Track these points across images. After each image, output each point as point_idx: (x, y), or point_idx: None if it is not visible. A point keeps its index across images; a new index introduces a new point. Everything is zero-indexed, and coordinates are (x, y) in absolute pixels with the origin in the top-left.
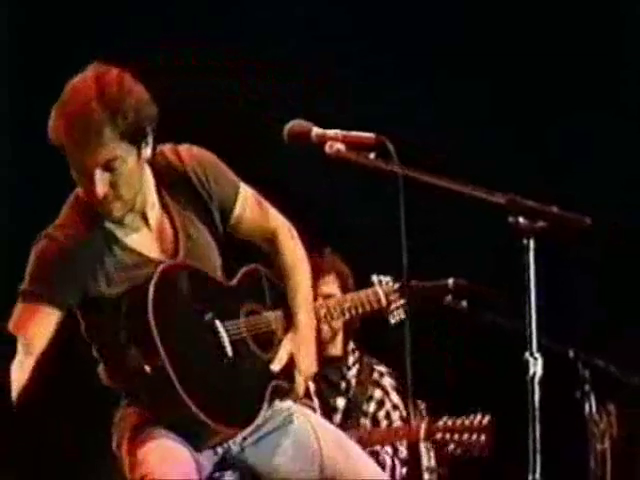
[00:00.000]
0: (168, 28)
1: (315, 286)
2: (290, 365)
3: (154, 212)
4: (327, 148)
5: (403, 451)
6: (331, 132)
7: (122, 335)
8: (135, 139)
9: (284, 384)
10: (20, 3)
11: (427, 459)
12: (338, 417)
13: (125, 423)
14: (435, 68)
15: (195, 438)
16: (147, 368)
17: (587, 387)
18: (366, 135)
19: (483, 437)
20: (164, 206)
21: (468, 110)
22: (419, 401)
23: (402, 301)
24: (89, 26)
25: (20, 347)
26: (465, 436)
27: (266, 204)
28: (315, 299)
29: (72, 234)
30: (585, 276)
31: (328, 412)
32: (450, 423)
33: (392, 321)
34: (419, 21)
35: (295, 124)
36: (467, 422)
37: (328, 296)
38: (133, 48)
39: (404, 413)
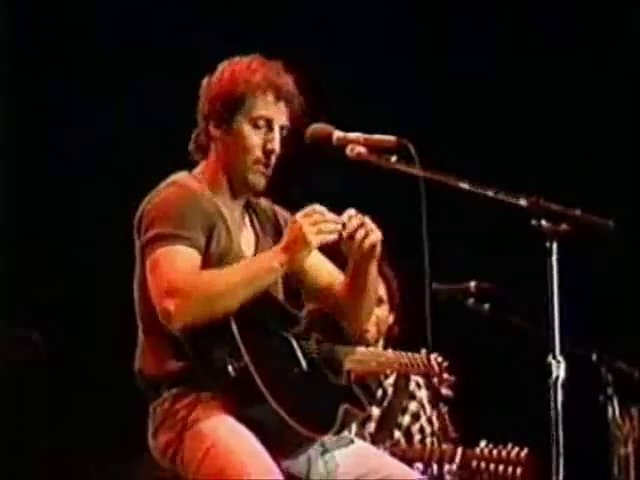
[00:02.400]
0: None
1: None
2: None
3: (243, 221)
4: (348, 151)
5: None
6: (352, 135)
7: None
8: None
9: (354, 409)
10: (20, 3)
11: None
12: (372, 426)
13: (179, 418)
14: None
15: (281, 442)
16: (230, 368)
17: (610, 391)
18: (388, 138)
19: (519, 470)
20: (251, 223)
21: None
22: (441, 404)
23: (451, 378)
24: (89, 26)
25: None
26: (501, 468)
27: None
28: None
29: (198, 189)
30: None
31: (362, 421)
32: (487, 452)
33: (444, 392)
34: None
35: (316, 127)
36: (504, 453)
37: (377, 300)
38: (134, 48)
39: (436, 428)
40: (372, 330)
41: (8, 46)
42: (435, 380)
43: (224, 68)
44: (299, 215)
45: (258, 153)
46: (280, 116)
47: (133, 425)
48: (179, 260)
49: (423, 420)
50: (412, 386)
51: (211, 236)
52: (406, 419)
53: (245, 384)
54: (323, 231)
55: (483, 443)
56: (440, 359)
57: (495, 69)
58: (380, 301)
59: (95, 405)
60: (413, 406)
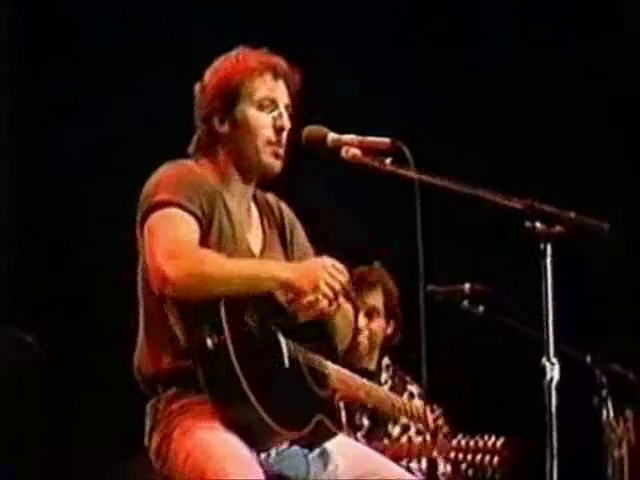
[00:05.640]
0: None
1: (360, 296)
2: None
3: (252, 215)
4: (343, 153)
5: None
6: (347, 137)
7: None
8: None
9: (329, 424)
10: (20, 2)
11: (443, 465)
12: (360, 435)
13: (171, 420)
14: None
15: (252, 435)
16: (209, 342)
17: (604, 393)
18: (382, 140)
19: (496, 459)
20: (260, 219)
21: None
22: (435, 405)
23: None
24: (90, 24)
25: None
26: (478, 457)
27: None
28: (358, 309)
29: (201, 173)
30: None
31: (353, 429)
32: (464, 443)
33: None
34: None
35: (311, 129)
36: (481, 443)
37: (372, 308)
38: (134, 47)
39: (428, 438)
40: (364, 342)
41: (9, 45)
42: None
43: (212, 69)
44: (329, 261)
45: (269, 133)
46: (282, 95)
47: (134, 425)
48: (180, 225)
49: (412, 432)
50: (405, 397)
51: (211, 218)
52: (396, 430)
53: (221, 361)
54: (327, 293)
55: (460, 435)
56: (437, 413)
57: (493, 64)
58: (375, 312)
59: (97, 405)
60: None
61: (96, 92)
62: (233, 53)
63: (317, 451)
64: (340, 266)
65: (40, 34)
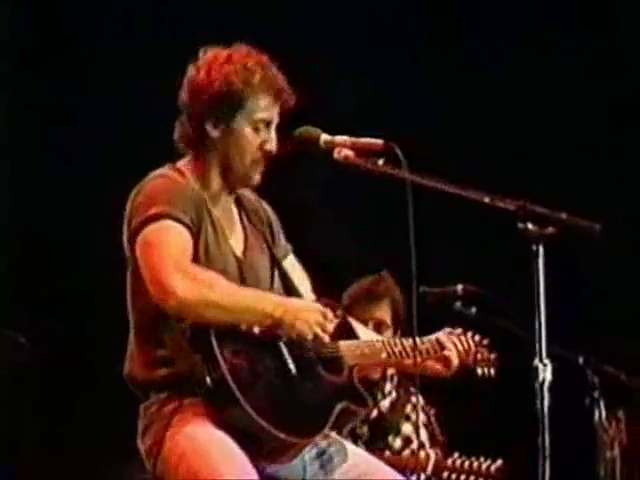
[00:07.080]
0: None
1: (368, 310)
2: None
3: (233, 216)
4: (335, 154)
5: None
6: (340, 138)
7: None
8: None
9: (354, 407)
10: (20, 2)
11: None
12: (360, 443)
13: (163, 423)
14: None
15: (273, 452)
16: (208, 379)
17: (596, 394)
18: (375, 141)
19: None
20: (241, 220)
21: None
22: (428, 406)
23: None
24: (90, 24)
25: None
26: (472, 479)
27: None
28: (365, 322)
29: (184, 182)
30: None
31: (353, 438)
32: (459, 463)
33: (480, 372)
34: None
35: (303, 130)
36: (475, 465)
37: (380, 321)
38: (134, 46)
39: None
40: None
41: (9, 45)
42: (470, 361)
43: (212, 62)
44: (319, 307)
45: (258, 154)
46: (276, 117)
47: (133, 425)
48: (178, 238)
49: (414, 445)
50: (408, 409)
51: (200, 227)
52: (398, 442)
53: (223, 394)
54: (317, 332)
55: (456, 454)
56: (477, 337)
57: (497, 64)
58: (384, 325)
59: (96, 405)
60: (406, 429)
61: (96, 92)
62: (237, 56)
63: (314, 452)
64: (330, 315)
65: (40, 34)
